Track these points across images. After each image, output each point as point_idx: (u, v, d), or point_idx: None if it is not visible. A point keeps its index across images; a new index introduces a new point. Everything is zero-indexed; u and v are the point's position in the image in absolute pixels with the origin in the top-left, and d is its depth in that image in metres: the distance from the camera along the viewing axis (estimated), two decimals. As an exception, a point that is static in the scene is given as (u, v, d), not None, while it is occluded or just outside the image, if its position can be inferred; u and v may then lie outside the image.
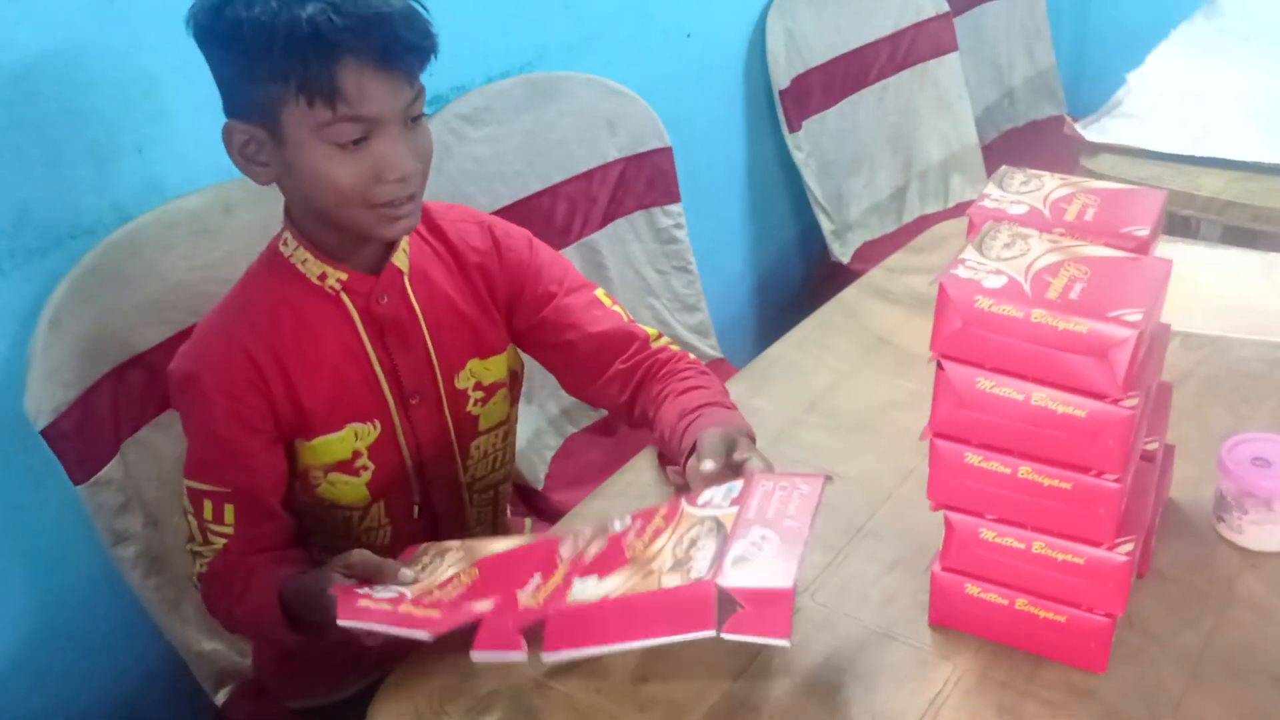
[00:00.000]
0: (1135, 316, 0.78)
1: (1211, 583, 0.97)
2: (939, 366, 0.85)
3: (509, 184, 1.58)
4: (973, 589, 0.91)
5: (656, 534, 0.92)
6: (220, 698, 1.26)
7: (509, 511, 1.33)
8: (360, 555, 0.99)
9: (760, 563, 0.83)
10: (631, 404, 1.18)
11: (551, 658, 0.86)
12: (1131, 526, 0.86)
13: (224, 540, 1.06)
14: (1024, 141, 2.67)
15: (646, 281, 1.81)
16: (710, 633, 0.81)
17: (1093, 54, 3.03)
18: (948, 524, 0.90)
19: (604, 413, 1.72)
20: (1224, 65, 2.08)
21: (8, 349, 1.15)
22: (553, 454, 1.67)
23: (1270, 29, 2.21)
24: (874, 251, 2.20)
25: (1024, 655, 0.91)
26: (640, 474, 1.17)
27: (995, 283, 0.82)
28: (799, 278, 2.35)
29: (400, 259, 1.09)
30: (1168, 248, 1.44)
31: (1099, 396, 0.80)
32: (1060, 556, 0.86)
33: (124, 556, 1.19)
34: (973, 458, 0.86)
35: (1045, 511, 0.85)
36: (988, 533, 0.88)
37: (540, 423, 1.66)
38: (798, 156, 2.08)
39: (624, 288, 1.77)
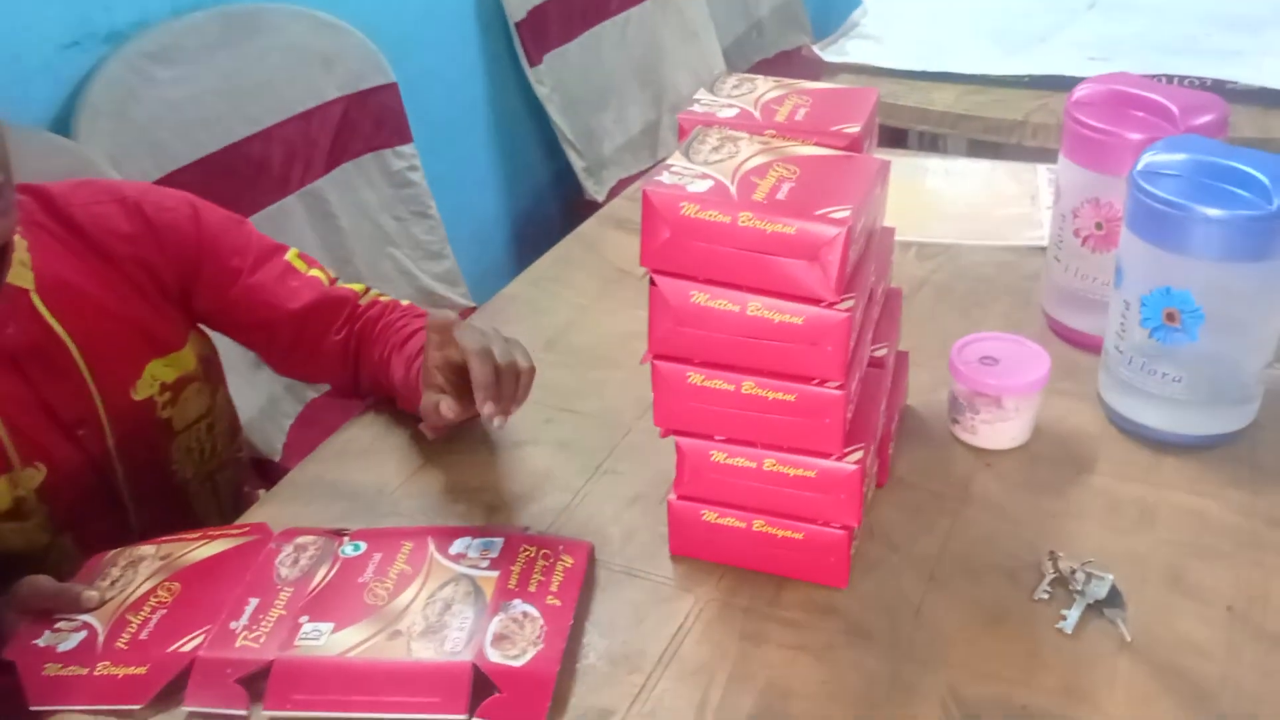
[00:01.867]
0: (843, 213, 0.74)
1: (948, 485, 0.96)
2: (651, 282, 0.79)
3: (211, 130, 1.43)
4: (709, 515, 0.86)
5: (403, 582, 0.84)
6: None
7: (243, 490, 1.21)
8: (31, 586, 0.85)
9: (522, 643, 0.78)
10: (355, 377, 1.08)
11: (273, 715, 0.77)
12: (860, 434, 0.83)
13: None
14: (775, 72, 2.67)
15: (384, 230, 1.70)
16: (461, 717, 0.75)
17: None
18: (679, 450, 0.85)
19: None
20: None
21: None
22: (291, 421, 1.54)
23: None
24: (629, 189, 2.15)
25: (767, 578, 0.87)
26: (363, 429, 1.07)
27: (701, 186, 0.76)
28: (556, 219, 2.27)
29: (21, 275, 0.92)
30: (903, 161, 1.46)
31: (814, 301, 0.76)
32: (792, 472, 0.82)
33: None
34: (695, 377, 0.81)
35: (773, 427, 0.81)
36: (718, 454, 0.84)
37: (275, 389, 1.53)
38: (541, 92, 2.00)
39: (359, 239, 1.66)
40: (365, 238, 1.67)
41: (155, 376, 1.02)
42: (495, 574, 0.84)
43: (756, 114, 0.88)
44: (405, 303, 1.10)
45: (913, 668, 0.80)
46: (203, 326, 1.08)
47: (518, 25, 1.95)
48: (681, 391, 0.82)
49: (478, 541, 0.88)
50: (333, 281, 1.08)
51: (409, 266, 1.72)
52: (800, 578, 0.87)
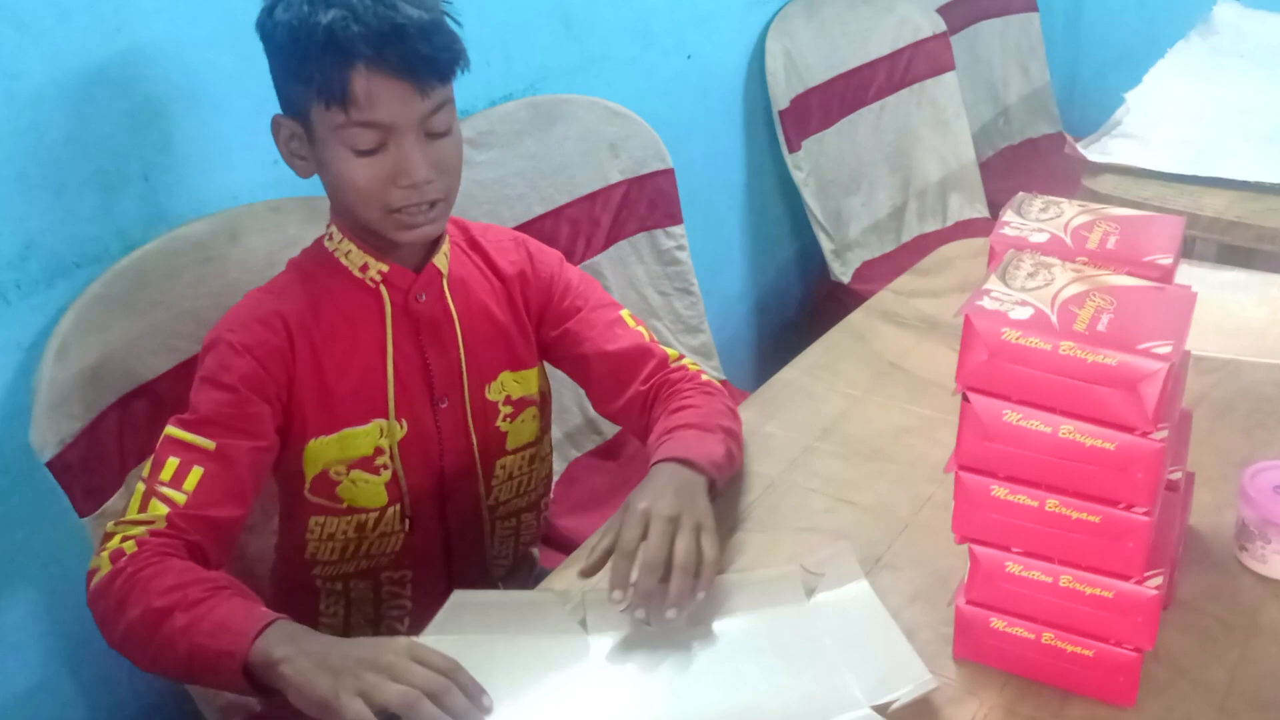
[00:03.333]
0: (1165, 349, 0.78)
1: (1236, 614, 0.96)
2: (964, 399, 0.84)
3: (513, 207, 1.58)
4: (998, 623, 0.90)
5: None
6: (228, 733, 1.24)
7: (530, 547, 1.32)
8: (433, 655, 0.86)
9: None
10: (647, 427, 1.17)
11: None
12: (1159, 559, 0.85)
13: (168, 508, 0.95)
14: (1021, 160, 2.68)
15: (649, 303, 1.80)
16: None
17: (1086, 73, 3.05)
18: (973, 557, 0.89)
19: (607, 436, 1.72)
20: (1221, 84, 2.09)
21: (13, 379, 1.14)
22: (556, 479, 1.65)
23: (1263, 48, 2.22)
24: (873, 270, 2.20)
25: (1051, 690, 0.90)
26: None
27: (1022, 314, 0.81)
28: (798, 298, 2.34)
29: (440, 261, 1.11)
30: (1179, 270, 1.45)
31: (1128, 429, 0.79)
32: (1088, 590, 0.85)
33: (129, 590, 1.17)
34: (999, 490, 0.85)
35: (1073, 545, 0.84)
36: (1014, 566, 0.87)
37: (556, 435, 1.64)
38: (797, 176, 2.08)
39: (627, 308, 1.76)
40: (632, 307, 1.75)
41: (504, 387, 1.16)
42: None
43: (1068, 240, 0.92)
44: (705, 376, 1.18)
45: (1204, 796, 0.81)
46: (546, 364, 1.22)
47: (781, 113, 2.04)
48: (983, 503, 0.86)
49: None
50: (653, 341, 1.20)
51: (669, 338, 1.82)
52: (1086, 694, 0.89)
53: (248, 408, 1.02)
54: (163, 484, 0.98)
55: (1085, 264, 0.89)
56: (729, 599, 0.99)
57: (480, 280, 1.15)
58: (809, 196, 2.10)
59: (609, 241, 1.73)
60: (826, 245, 2.14)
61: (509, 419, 1.18)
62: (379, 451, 1.10)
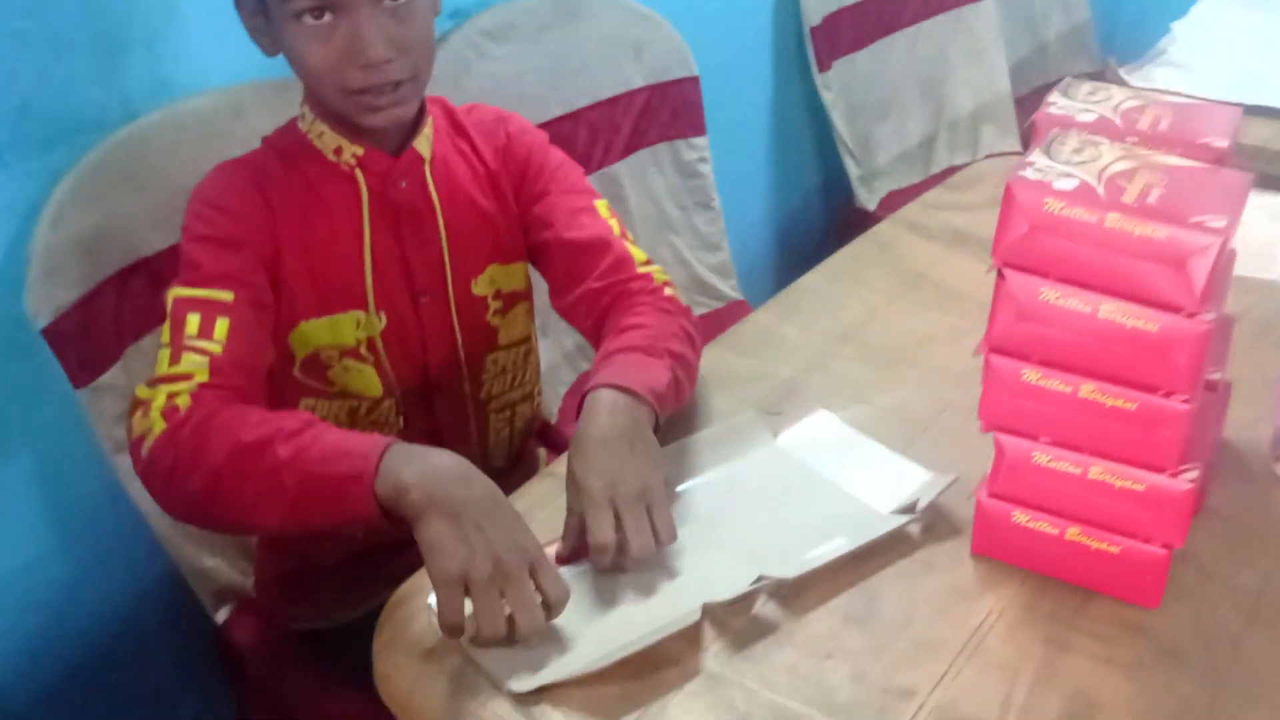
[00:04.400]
0: (1219, 223, 0.73)
1: (1270, 524, 0.92)
2: (999, 275, 0.79)
3: (530, 107, 1.51)
4: (1020, 517, 0.86)
5: None
6: (220, 616, 1.21)
7: (529, 440, 1.28)
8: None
9: None
10: (597, 332, 1.05)
11: None
12: (1194, 454, 0.81)
13: (206, 358, 0.89)
14: (1056, 97, 2.60)
15: (667, 217, 1.75)
16: None
17: (1129, 7, 2.95)
18: (998, 447, 0.85)
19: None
20: (1271, 14, 2.02)
21: (8, 245, 1.10)
22: (565, 389, 1.62)
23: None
24: (899, 201, 2.12)
25: (1072, 589, 0.86)
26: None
27: (1066, 185, 0.76)
28: (821, 225, 2.29)
29: (422, 145, 1.04)
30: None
31: (1173, 310, 0.75)
32: (1119, 483, 0.81)
33: (124, 466, 1.14)
34: (1031, 375, 0.81)
35: (1106, 434, 0.80)
36: (1041, 457, 0.83)
37: (555, 357, 1.61)
38: (826, 97, 2.02)
39: (644, 222, 1.72)
40: (650, 223, 1.73)
41: (493, 280, 1.10)
42: None
43: (1117, 121, 0.87)
44: (668, 291, 1.06)
45: (1231, 699, 0.77)
46: None
47: (813, 30, 1.98)
48: (1014, 388, 0.81)
49: None
50: (623, 238, 1.09)
51: (686, 255, 1.77)
52: (1109, 593, 0.85)
53: (249, 266, 0.97)
54: (191, 339, 0.91)
55: (1135, 144, 0.83)
56: (696, 460, 0.97)
57: (464, 167, 1.08)
58: (837, 119, 2.04)
59: (628, 149, 1.67)
60: (853, 171, 2.08)
61: (499, 314, 1.12)
62: (358, 343, 1.05)
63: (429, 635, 0.83)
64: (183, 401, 0.88)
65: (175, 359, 0.91)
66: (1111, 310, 0.76)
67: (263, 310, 0.97)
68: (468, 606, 0.78)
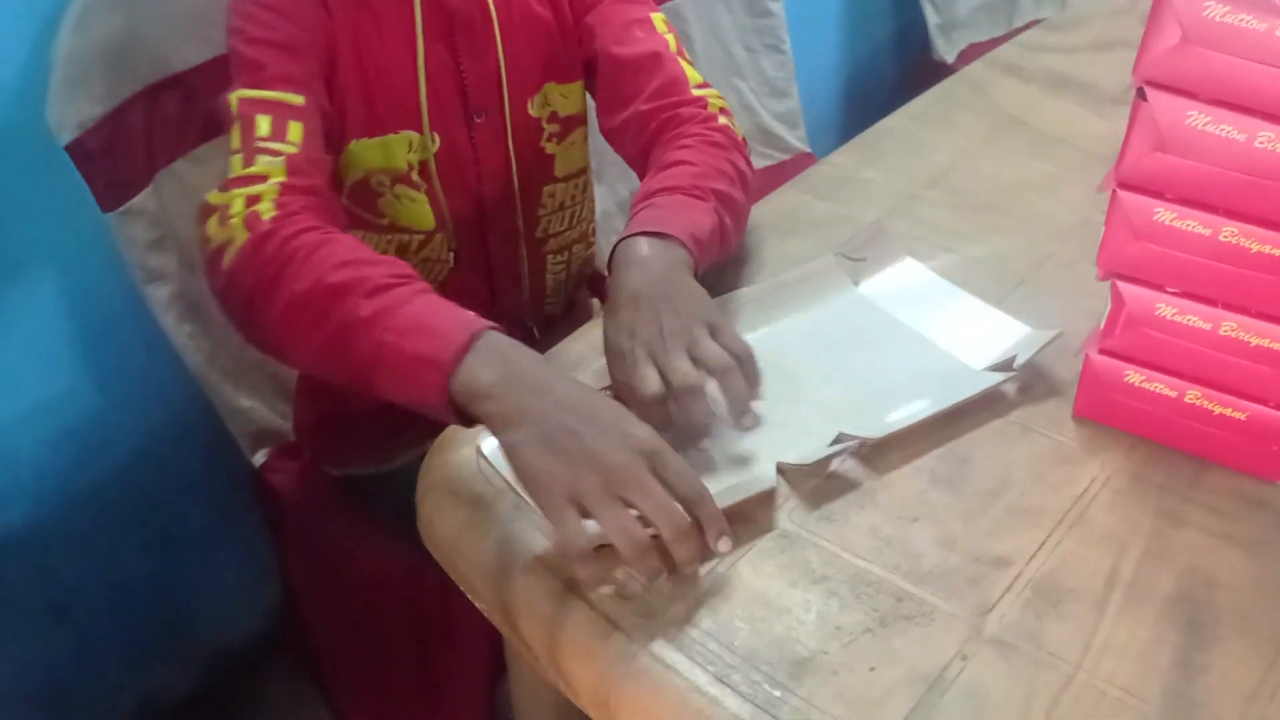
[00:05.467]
0: None
1: None
2: (1138, 97, 0.69)
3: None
4: (1134, 377, 0.77)
5: None
6: (258, 459, 1.16)
7: (584, 286, 1.20)
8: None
9: None
10: (643, 161, 0.96)
11: None
12: (1345, 313, 0.72)
13: (282, 158, 0.81)
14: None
15: (734, 60, 1.63)
16: None
17: None
18: (1116, 296, 0.75)
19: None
20: None
21: (30, 50, 1.01)
22: (618, 238, 1.52)
23: None
24: (979, 54, 1.98)
25: (1185, 458, 0.77)
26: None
27: (1230, -11, 0.65)
28: (894, 79, 2.15)
29: None
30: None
31: (1344, 140, 0.64)
32: (1254, 340, 0.72)
33: (157, 298, 1.08)
34: (1164, 215, 0.71)
35: (1245, 285, 0.70)
36: (1166, 309, 0.74)
37: (609, 204, 1.52)
38: (909, -66, 1.87)
39: (709, 64, 1.60)
40: (715, 64, 1.61)
41: (549, 102, 1.01)
42: None
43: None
44: (722, 120, 0.96)
45: (1365, 583, 0.69)
46: None
47: None
48: (1143, 229, 0.72)
49: None
50: (680, 55, 0.98)
51: (752, 101, 1.66)
52: (1226, 464, 0.77)
53: (312, 71, 0.88)
54: (263, 139, 0.82)
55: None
56: (768, 306, 0.89)
57: None
58: (919, -39, 1.89)
59: (696, -18, 1.55)
60: (932, 18, 1.94)
61: (556, 139, 1.03)
62: (410, 167, 0.96)
63: (476, 480, 0.77)
64: (264, 208, 0.78)
65: (249, 161, 0.81)
66: (1270, 139, 0.66)
67: (328, 121, 0.89)
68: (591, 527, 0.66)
